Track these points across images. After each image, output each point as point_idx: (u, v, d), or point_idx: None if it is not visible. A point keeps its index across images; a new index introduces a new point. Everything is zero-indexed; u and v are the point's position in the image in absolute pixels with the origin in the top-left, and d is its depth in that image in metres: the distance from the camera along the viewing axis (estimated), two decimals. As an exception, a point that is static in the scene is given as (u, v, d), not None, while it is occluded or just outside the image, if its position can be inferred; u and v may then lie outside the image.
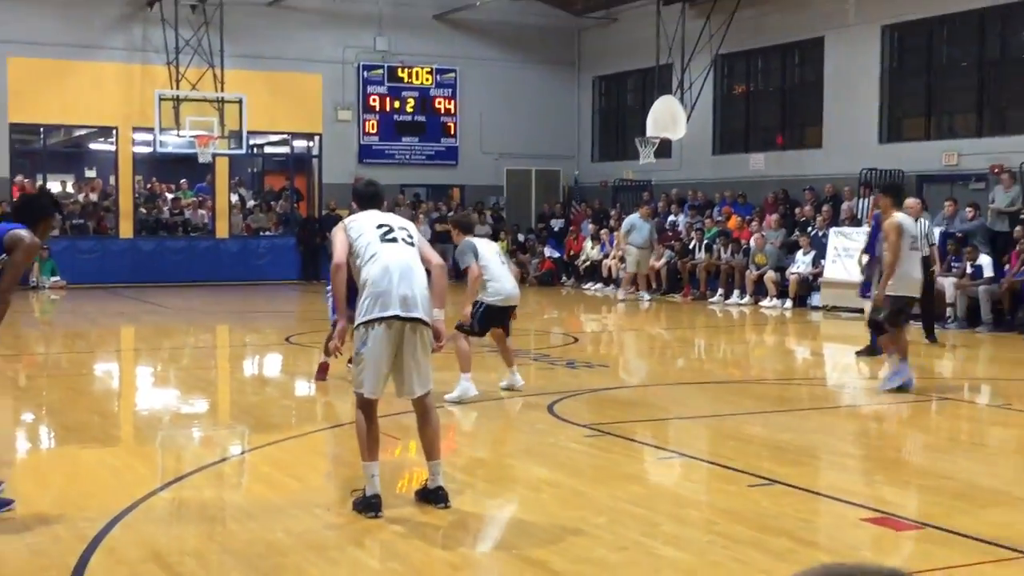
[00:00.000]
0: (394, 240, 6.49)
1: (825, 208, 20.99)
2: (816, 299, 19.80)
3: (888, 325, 10.68)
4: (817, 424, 9.92)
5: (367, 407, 6.49)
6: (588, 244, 25.29)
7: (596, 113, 30.19)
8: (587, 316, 20.15)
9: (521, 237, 27.73)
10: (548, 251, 26.67)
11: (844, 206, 20.91)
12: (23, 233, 6.45)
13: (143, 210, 27.03)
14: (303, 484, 7.74)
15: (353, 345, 6.55)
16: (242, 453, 8.76)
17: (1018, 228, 17.15)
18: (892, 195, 11.14)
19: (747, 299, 20.93)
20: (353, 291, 6.55)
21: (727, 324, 18.96)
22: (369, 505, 6.34)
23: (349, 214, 7.18)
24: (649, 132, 23.26)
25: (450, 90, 28.67)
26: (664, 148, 24.23)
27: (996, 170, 18.63)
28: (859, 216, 20.29)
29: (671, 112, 23.07)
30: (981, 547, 5.86)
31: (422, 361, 6.48)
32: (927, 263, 14.94)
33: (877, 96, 21.92)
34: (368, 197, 6.99)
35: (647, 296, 22.18)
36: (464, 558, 5.96)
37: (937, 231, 18.15)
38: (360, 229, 6.54)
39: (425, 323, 6.42)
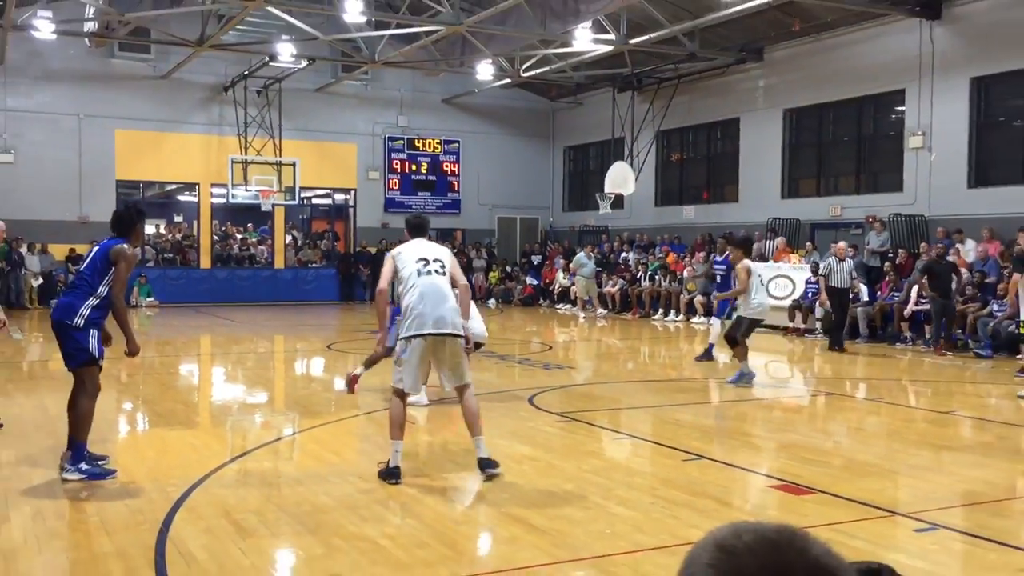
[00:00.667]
0: (429, 273, 6.51)
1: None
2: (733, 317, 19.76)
3: (741, 338, 11.11)
4: (734, 413, 9.92)
5: (402, 398, 6.58)
6: (560, 275, 25.27)
7: (566, 174, 30.28)
8: (559, 329, 20.12)
9: (508, 269, 27.75)
10: (529, 279, 26.68)
11: (755, 246, 20.91)
12: (123, 247, 6.47)
13: (218, 247, 26.99)
14: (341, 458, 7.70)
15: (396, 352, 6.60)
16: (293, 434, 8.72)
17: (887, 264, 17.25)
18: (743, 247, 11.53)
19: (680, 317, 20.95)
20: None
21: (665, 336, 18.96)
22: (391, 474, 6.35)
23: (399, 243, 7.15)
24: (607, 189, 23.32)
25: (454, 156, 28.78)
26: (618, 201, 24.29)
27: (870, 219, 18.72)
28: (766, 254, 20.35)
29: (623, 174, 23.14)
30: (860, 508, 5.86)
31: (457, 362, 6.53)
32: (847, 292, 15.13)
33: (780, 163, 22.03)
34: (416, 227, 6.95)
35: (603, 312, 22.25)
36: (464, 515, 5.94)
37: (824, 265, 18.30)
38: (404, 262, 6.59)
39: (455, 335, 6.46)
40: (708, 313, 20.02)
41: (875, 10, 18.21)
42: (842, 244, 15.59)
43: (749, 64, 22.41)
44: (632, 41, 21.15)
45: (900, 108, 19.22)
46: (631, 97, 25.57)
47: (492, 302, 26.05)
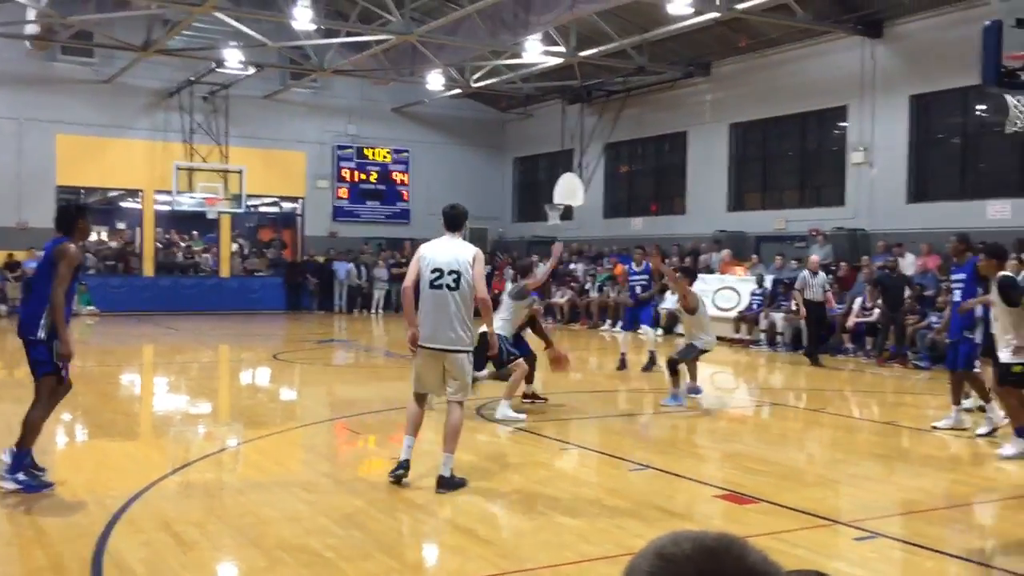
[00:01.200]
0: (439, 287, 6.50)
1: (688, 259, 21.24)
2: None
3: (688, 364, 10.69)
4: (681, 424, 10.00)
5: (415, 397, 6.78)
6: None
7: (516, 185, 30.36)
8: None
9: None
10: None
11: (701, 258, 21.20)
12: (65, 244, 6.38)
13: (162, 255, 26.53)
14: (284, 469, 7.61)
15: None
16: (237, 445, 8.59)
17: (829, 276, 17.50)
18: (688, 277, 11.01)
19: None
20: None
21: (613, 347, 19.04)
22: (398, 466, 6.51)
23: (422, 243, 7.06)
24: (556, 200, 23.43)
25: (404, 166, 28.70)
26: (567, 212, 24.40)
27: (814, 232, 19.05)
28: (712, 266, 20.61)
29: (572, 185, 23.27)
30: (802, 517, 5.94)
31: (450, 376, 6.57)
32: (821, 305, 15.14)
33: (726, 176, 22.33)
34: (448, 220, 6.78)
35: (548, 323, 22.26)
36: (411, 526, 5.89)
37: (769, 278, 18.60)
38: (422, 270, 6.59)
39: (448, 351, 6.50)
40: (656, 324, 20.18)
41: (819, 28, 18.58)
42: (815, 257, 15.79)
43: (696, 78, 22.71)
44: (582, 54, 21.32)
45: (843, 124, 19.62)
46: (580, 109, 25.75)
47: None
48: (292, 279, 26.25)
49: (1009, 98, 8.24)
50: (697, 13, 17.85)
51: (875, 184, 18.73)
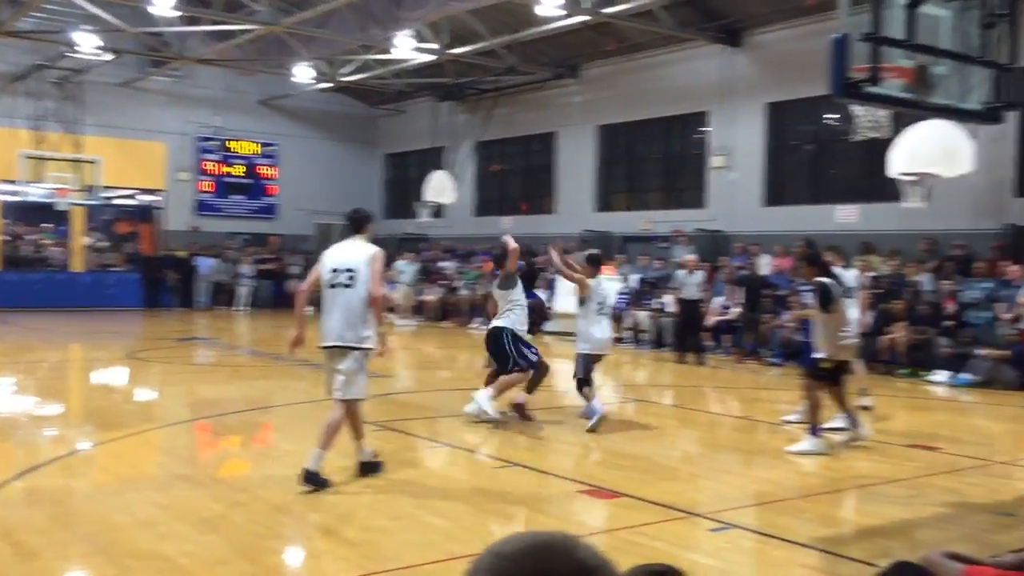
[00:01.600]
0: (333, 285, 6.53)
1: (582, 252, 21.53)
2: (548, 326, 20.26)
3: (586, 377, 9.46)
4: (548, 421, 10.11)
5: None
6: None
7: (387, 181, 30.11)
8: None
9: (326, 276, 27.25)
10: (347, 287, 26.25)
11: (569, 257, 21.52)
12: None
13: (8, 248, 25.04)
14: (139, 472, 7.30)
15: None
16: (88, 448, 8.19)
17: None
18: (592, 265, 9.94)
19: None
20: None
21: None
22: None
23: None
24: (427, 198, 23.34)
25: (272, 159, 28.04)
26: (438, 210, 24.34)
27: (676, 233, 19.62)
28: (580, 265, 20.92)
29: (443, 183, 23.24)
30: (661, 510, 6.11)
31: (338, 375, 6.55)
32: (696, 304, 15.51)
33: (593, 177, 22.76)
34: (350, 223, 6.84)
35: (414, 323, 22.14)
36: (270, 528, 5.75)
37: (635, 277, 19.06)
38: (321, 272, 6.66)
39: (339, 347, 6.51)
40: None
41: (682, 35, 19.15)
42: (691, 257, 16.22)
43: (566, 80, 23.05)
44: (453, 52, 21.31)
45: (704, 128, 20.29)
46: (452, 107, 25.76)
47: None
48: (150, 275, 25.19)
49: (855, 108, 8.70)
50: (567, 16, 18.12)
51: (734, 187, 19.45)
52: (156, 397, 11.75)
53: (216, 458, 8.01)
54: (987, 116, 7.11)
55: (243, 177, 27.54)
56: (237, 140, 27.38)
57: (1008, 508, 6.52)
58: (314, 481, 6.34)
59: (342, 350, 6.50)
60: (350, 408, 6.66)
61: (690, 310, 15.70)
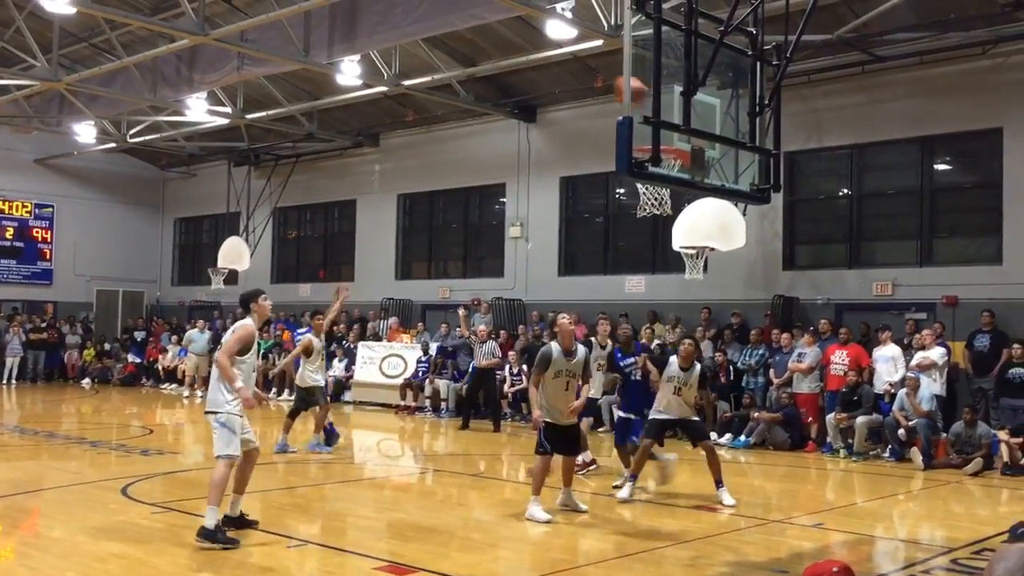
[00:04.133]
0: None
1: (356, 326, 21.31)
2: (347, 395, 19.93)
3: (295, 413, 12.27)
4: (343, 493, 9.86)
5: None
6: (171, 352, 23.64)
7: (176, 247, 28.90)
8: (162, 411, 18.81)
9: (107, 346, 25.62)
10: (131, 357, 24.75)
11: (369, 325, 21.35)
12: None
13: None
14: None
15: None
16: None
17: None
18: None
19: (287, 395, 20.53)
20: None
21: (279, 415, 18.50)
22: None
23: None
24: (220, 264, 22.53)
25: (47, 222, 26.35)
26: (232, 276, 23.53)
27: (475, 302, 19.87)
28: (380, 333, 20.80)
29: (238, 250, 22.51)
30: (458, 583, 6.04)
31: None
32: (491, 371, 15.73)
33: (394, 245, 22.78)
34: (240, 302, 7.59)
35: (200, 394, 21.01)
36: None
37: (435, 345, 19.10)
38: None
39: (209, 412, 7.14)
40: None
41: (479, 109, 19.70)
42: (483, 327, 16.42)
43: (366, 148, 23.10)
44: (249, 116, 20.92)
45: (502, 200, 20.84)
46: (248, 172, 25.19)
47: (86, 382, 23.81)
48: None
49: (639, 186, 9.19)
50: (366, 86, 18.24)
51: (531, 258, 20.01)
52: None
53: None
54: (756, 196, 7.73)
55: (14, 240, 25.67)
56: (8, 201, 25.56)
57: (783, 565, 6.91)
58: (207, 536, 6.83)
59: (208, 414, 7.18)
60: (223, 465, 7.07)
61: (484, 377, 15.90)
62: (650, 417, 9.46)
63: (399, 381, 18.87)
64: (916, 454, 12.23)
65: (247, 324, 7.30)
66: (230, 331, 7.34)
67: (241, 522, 7.41)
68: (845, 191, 16.61)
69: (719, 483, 9.14)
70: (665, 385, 9.41)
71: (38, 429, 14.75)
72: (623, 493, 9.22)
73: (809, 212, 16.95)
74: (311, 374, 12.25)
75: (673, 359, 9.53)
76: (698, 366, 9.44)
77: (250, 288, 7.81)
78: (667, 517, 8.60)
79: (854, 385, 13.31)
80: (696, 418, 9.64)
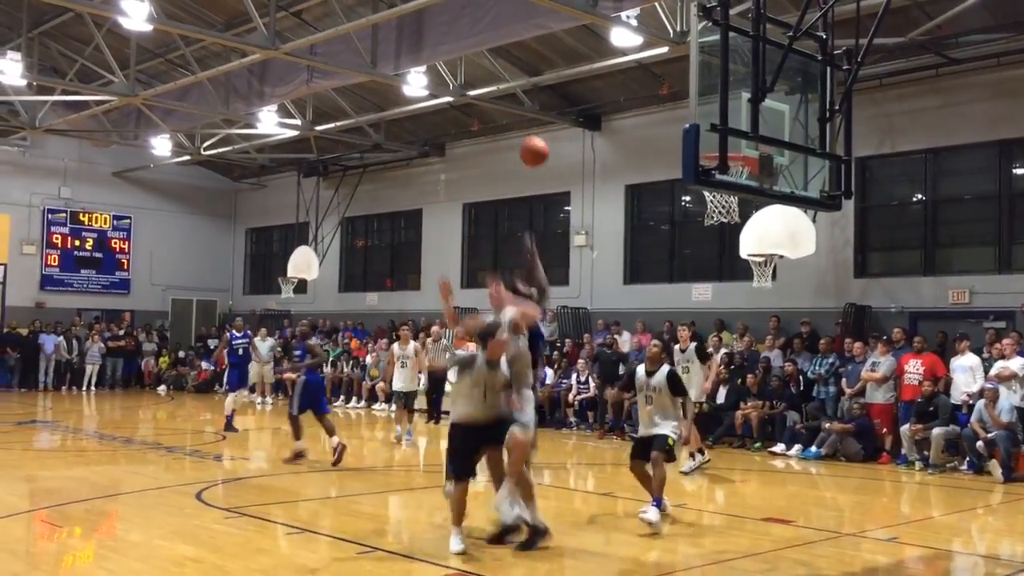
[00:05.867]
0: None
1: (421, 335, 21.43)
2: (417, 403, 20.02)
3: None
4: (411, 501, 9.94)
5: None
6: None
7: (248, 256, 29.50)
8: (235, 417, 19.16)
9: (182, 353, 26.24)
10: (205, 364, 25.33)
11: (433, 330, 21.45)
12: None
13: None
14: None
15: None
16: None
17: (556, 353, 18.29)
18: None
19: (363, 404, 20.86)
20: None
21: (347, 424, 18.74)
22: None
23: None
24: (290, 273, 22.96)
25: (125, 233, 27.13)
26: (301, 286, 23.96)
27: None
28: (446, 342, 20.88)
29: (307, 259, 22.92)
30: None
31: None
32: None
33: (460, 254, 22.92)
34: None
35: (269, 401, 21.39)
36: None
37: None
38: None
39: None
40: (389, 400, 20.16)
41: (544, 117, 19.74)
42: (435, 327, 16.74)
43: (432, 158, 23.32)
44: (318, 128, 21.28)
45: (567, 208, 20.84)
46: (317, 182, 25.61)
47: (162, 388, 24.43)
48: (-9, 352, 23.69)
49: (706, 194, 9.14)
50: (432, 96, 18.42)
51: (596, 266, 19.95)
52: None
53: (56, 552, 7.47)
54: (826, 203, 7.59)
55: (94, 251, 26.49)
56: (88, 212, 26.39)
57: (856, 578, 6.76)
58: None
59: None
60: None
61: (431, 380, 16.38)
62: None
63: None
64: (995, 467, 11.85)
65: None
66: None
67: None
68: (919, 196, 16.23)
69: (655, 499, 8.18)
70: (637, 399, 8.79)
71: (116, 435, 15.18)
72: (650, 516, 8.09)
73: (882, 218, 16.59)
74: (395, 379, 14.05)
75: (640, 367, 8.81)
76: (666, 368, 8.64)
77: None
78: (736, 530, 8.48)
79: (930, 395, 12.97)
80: (660, 431, 8.36)
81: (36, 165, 25.33)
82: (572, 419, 16.95)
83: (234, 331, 17.06)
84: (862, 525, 9.14)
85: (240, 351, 16.32)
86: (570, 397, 16.93)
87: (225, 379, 17.56)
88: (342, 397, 21.29)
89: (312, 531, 8.21)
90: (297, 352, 13.39)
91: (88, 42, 19.27)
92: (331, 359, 22.28)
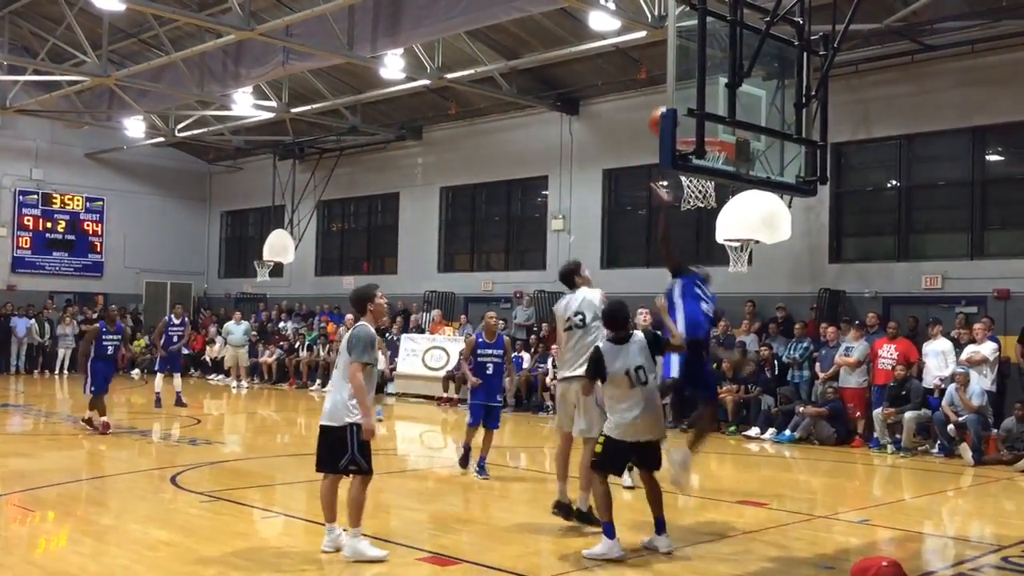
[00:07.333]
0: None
1: (399, 319, 21.44)
2: (391, 387, 20.06)
3: None
4: (387, 485, 9.93)
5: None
6: (219, 343, 23.93)
7: (223, 239, 29.28)
8: (209, 401, 19.10)
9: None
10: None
11: (412, 318, 21.46)
12: None
13: None
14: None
15: None
16: None
17: (532, 336, 18.35)
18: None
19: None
20: None
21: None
22: None
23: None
24: (265, 256, 22.80)
25: (98, 215, 26.82)
26: (277, 269, 23.82)
27: (517, 294, 19.91)
28: (423, 326, 20.91)
29: (283, 242, 22.76)
30: (500, 575, 6.07)
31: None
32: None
33: (436, 238, 22.87)
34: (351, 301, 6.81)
35: (245, 385, 21.32)
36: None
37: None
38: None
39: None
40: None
41: (522, 101, 19.68)
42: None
43: (409, 141, 23.20)
44: (294, 110, 21.12)
45: (544, 192, 20.82)
46: (293, 165, 25.43)
47: (135, 372, 24.24)
48: (-41, 336, 23.39)
49: (683, 178, 9.13)
50: (409, 79, 18.32)
51: (573, 250, 19.95)
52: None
53: (28, 536, 7.41)
54: (802, 188, 7.63)
55: (66, 233, 26.20)
56: (61, 194, 26.08)
57: (830, 561, 6.85)
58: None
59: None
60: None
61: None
62: None
63: (442, 373, 18.96)
64: (966, 450, 12.02)
65: (369, 329, 6.54)
66: (348, 337, 6.53)
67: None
68: (894, 183, 16.35)
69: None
70: None
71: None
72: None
73: (857, 204, 16.71)
74: None
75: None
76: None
77: (361, 287, 6.89)
78: (710, 512, 8.56)
79: (902, 380, 13.12)
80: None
81: (7, 146, 24.96)
82: (549, 403, 16.98)
83: (172, 316, 16.81)
84: (835, 507, 9.25)
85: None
86: (547, 381, 16.96)
87: (156, 365, 17.35)
88: (318, 381, 21.23)
89: (288, 515, 8.20)
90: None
91: (60, 21, 19.00)
92: (307, 343, 22.23)
